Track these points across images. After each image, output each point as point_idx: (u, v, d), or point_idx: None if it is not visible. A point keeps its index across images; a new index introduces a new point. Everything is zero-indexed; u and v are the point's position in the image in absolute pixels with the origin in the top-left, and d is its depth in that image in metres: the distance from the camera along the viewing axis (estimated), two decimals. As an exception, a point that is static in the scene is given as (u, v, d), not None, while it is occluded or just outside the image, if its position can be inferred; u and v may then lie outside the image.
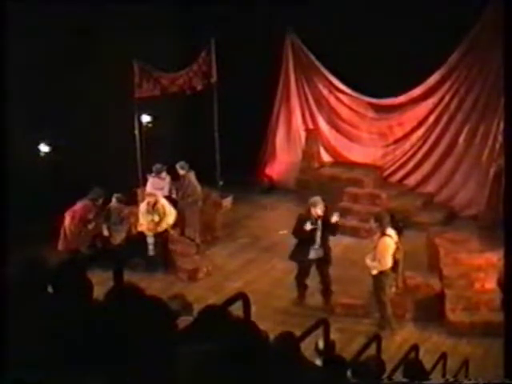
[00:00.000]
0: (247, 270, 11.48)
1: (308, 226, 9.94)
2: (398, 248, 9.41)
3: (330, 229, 10.08)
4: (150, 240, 11.44)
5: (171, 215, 11.52)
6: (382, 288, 9.42)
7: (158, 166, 12.34)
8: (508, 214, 6.07)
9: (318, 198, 10.13)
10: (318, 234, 9.99)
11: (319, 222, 9.98)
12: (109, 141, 12.25)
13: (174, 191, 12.31)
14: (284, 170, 15.49)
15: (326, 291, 10.23)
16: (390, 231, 9.44)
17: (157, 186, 12.19)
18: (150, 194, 11.61)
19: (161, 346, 2.54)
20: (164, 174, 12.36)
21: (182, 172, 12.11)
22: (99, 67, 11.90)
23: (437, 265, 10.64)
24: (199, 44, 12.95)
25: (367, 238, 12.56)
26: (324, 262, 10.14)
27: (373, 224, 9.63)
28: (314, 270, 10.27)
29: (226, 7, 13.19)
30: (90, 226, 11.17)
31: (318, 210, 9.98)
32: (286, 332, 4.02)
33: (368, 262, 9.45)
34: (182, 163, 12.09)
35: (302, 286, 10.31)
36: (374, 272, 9.38)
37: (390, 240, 9.34)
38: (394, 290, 9.72)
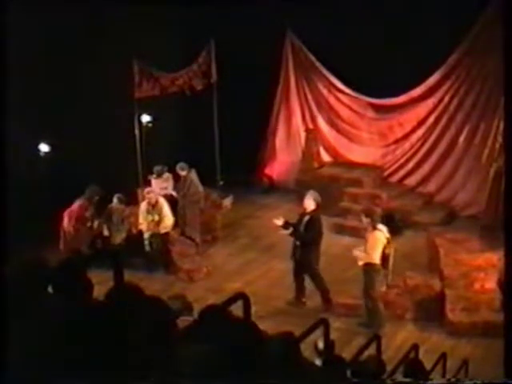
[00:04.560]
0: (247, 270, 11.47)
1: (276, 221, 9.83)
2: (388, 243, 9.44)
3: (308, 229, 9.77)
4: (146, 235, 11.45)
5: (170, 218, 11.52)
6: (371, 284, 9.39)
7: (158, 167, 12.35)
8: (508, 213, 6.07)
9: (310, 192, 10.04)
10: (298, 232, 9.81)
11: (305, 219, 9.81)
12: (109, 141, 12.24)
13: (175, 191, 12.35)
14: (284, 170, 15.49)
15: (320, 292, 10.12)
16: (381, 226, 9.46)
17: (160, 187, 12.23)
18: (150, 192, 11.61)
19: (161, 346, 2.54)
20: (166, 175, 12.38)
21: (182, 173, 12.12)
22: (99, 67, 11.89)
23: (437, 265, 10.64)
24: (199, 44, 12.94)
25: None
26: (303, 263, 9.93)
27: (364, 220, 9.60)
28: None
29: (226, 7, 13.19)
30: (89, 224, 11.16)
31: (305, 204, 9.86)
32: (286, 332, 4.01)
33: (355, 252, 9.45)
34: (181, 164, 12.10)
35: (296, 285, 10.16)
36: (361, 263, 9.37)
37: (381, 234, 9.38)
38: (384, 288, 9.69)
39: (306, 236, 9.79)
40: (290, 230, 9.85)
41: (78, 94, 11.80)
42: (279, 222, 9.89)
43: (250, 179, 15.13)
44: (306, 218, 9.83)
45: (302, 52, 14.83)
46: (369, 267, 9.35)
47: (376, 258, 9.30)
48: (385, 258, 9.39)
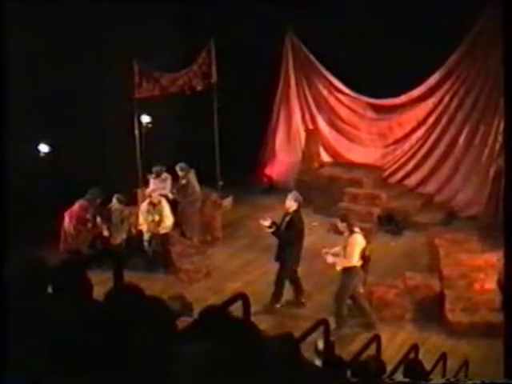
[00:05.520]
0: (247, 271, 11.47)
1: (263, 221, 9.87)
2: (367, 244, 9.42)
3: (288, 228, 9.80)
4: (146, 237, 11.45)
5: (170, 219, 11.52)
6: (347, 286, 9.33)
7: (157, 168, 12.34)
8: (508, 213, 6.06)
9: (292, 192, 10.12)
10: (279, 232, 9.86)
11: (286, 219, 9.86)
12: (109, 141, 12.24)
13: (174, 191, 12.34)
14: (284, 170, 15.50)
15: (274, 290, 10.06)
16: (358, 229, 9.44)
17: (158, 187, 12.23)
18: (154, 191, 11.64)
19: (161, 346, 2.54)
20: (165, 175, 12.38)
21: (181, 173, 12.12)
22: (99, 67, 11.89)
23: (437, 265, 10.64)
24: (199, 44, 12.95)
25: (367, 238, 12.58)
26: (281, 261, 9.96)
27: (340, 224, 9.54)
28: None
29: (226, 7, 13.19)
30: (90, 225, 11.16)
31: (286, 205, 9.89)
32: (286, 332, 4.01)
33: (329, 258, 9.37)
34: (181, 165, 12.10)
35: (292, 286, 10.22)
36: (339, 268, 9.32)
37: (360, 237, 9.36)
38: (362, 290, 9.64)
39: (286, 235, 9.84)
40: (273, 228, 9.88)
41: (78, 94, 11.79)
42: (266, 222, 9.91)
43: (250, 179, 15.13)
44: (288, 217, 9.88)
45: (302, 52, 14.84)
46: (348, 271, 9.29)
47: (355, 261, 9.27)
48: (365, 259, 9.37)
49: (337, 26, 13.03)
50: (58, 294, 3.13)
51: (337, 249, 9.45)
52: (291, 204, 9.87)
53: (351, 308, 9.77)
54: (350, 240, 9.30)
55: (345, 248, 9.29)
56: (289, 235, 9.83)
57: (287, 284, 10.25)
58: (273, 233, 9.94)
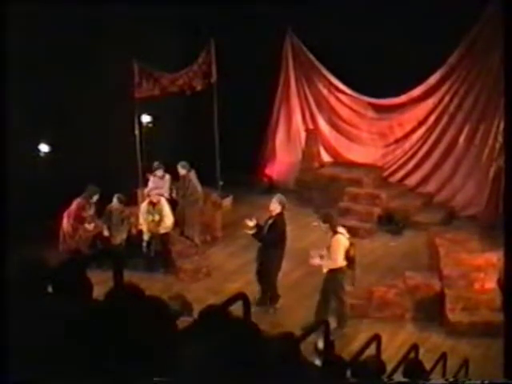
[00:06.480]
0: (247, 271, 11.44)
1: (248, 221, 9.85)
2: (351, 245, 9.40)
3: (269, 231, 9.78)
4: (146, 237, 11.45)
5: (170, 218, 11.51)
6: (339, 285, 9.34)
7: (155, 164, 12.34)
8: (508, 214, 6.07)
9: (277, 195, 10.13)
10: (260, 234, 9.85)
11: (269, 221, 9.85)
12: (109, 141, 12.23)
13: (174, 191, 12.33)
14: (284, 169, 15.50)
15: (270, 295, 10.09)
16: (341, 229, 9.42)
17: (157, 186, 12.21)
18: (154, 190, 11.64)
19: (161, 346, 2.54)
20: (162, 173, 12.35)
21: (182, 172, 12.11)
22: (99, 67, 11.88)
23: (437, 265, 10.64)
24: (199, 44, 12.94)
25: (367, 238, 12.60)
26: (262, 265, 10.00)
27: (322, 226, 9.50)
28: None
29: (226, 7, 13.19)
30: (88, 226, 11.14)
31: (271, 207, 9.87)
32: (286, 332, 4.01)
33: (316, 260, 9.33)
34: (183, 163, 12.10)
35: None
36: (325, 270, 9.31)
37: (343, 237, 9.33)
38: (350, 288, 9.63)
39: (266, 238, 9.83)
40: (254, 230, 9.85)
41: (77, 94, 11.79)
42: (251, 222, 9.89)
43: (250, 179, 15.13)
44: (270, 220, 9.87)
45: (301, 52, 14.84)
46: (335, 272, 9.27)
47: (340, 262, 9.25)
48: (350, 259, 9.34)
49: (337, 26, 13.03)
50: (58, 293, 3.13)
51: (323, 251, 9.42)
52: (275, 207, 9.86)
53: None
54: (332, 241, 9.27)
55: (328, 249, 9.28)
56: (270, 238, 9.81)
57: (282, 284, 10.24)
58: (253, 235, 9.94)
